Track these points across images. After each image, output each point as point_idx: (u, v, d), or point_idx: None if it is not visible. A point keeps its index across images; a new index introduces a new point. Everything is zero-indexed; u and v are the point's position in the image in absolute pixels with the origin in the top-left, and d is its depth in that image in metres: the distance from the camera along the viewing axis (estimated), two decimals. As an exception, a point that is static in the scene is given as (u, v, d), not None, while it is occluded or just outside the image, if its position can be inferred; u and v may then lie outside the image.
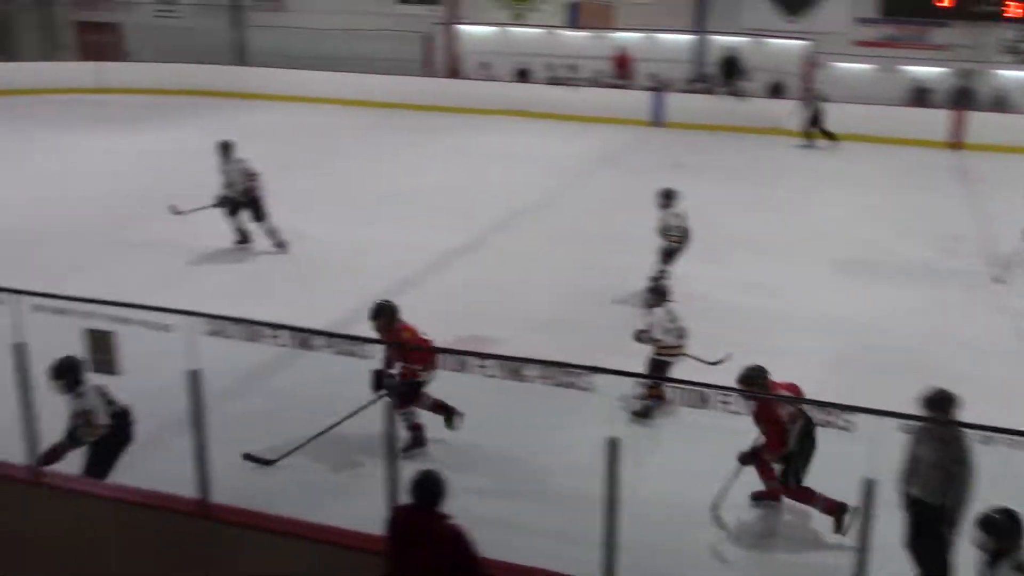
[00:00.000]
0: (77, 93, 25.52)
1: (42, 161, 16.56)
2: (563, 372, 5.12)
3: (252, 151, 16.30)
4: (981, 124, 21.76)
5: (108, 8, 29.95)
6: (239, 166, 12.59)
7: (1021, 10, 22.58)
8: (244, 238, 12.78)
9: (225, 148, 12.74)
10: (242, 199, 12.55)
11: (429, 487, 4.75)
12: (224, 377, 7.99)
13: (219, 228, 12.73)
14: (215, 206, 12.48)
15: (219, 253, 12.42)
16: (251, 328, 5.43)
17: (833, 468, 6.28)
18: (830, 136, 21.05)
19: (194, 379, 5.32)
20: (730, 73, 25.03)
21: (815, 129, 21.04)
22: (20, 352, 5.58)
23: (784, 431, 6.37)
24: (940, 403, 5.73)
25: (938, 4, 23.13)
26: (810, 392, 6.40)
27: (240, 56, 29.51)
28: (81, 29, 30.26)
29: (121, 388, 6.36)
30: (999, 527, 4.71)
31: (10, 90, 24.84)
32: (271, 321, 5.52)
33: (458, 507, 4.78)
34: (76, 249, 12.40)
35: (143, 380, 6.36)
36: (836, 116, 20.96)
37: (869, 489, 4.84)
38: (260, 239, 12.61)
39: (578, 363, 5.17)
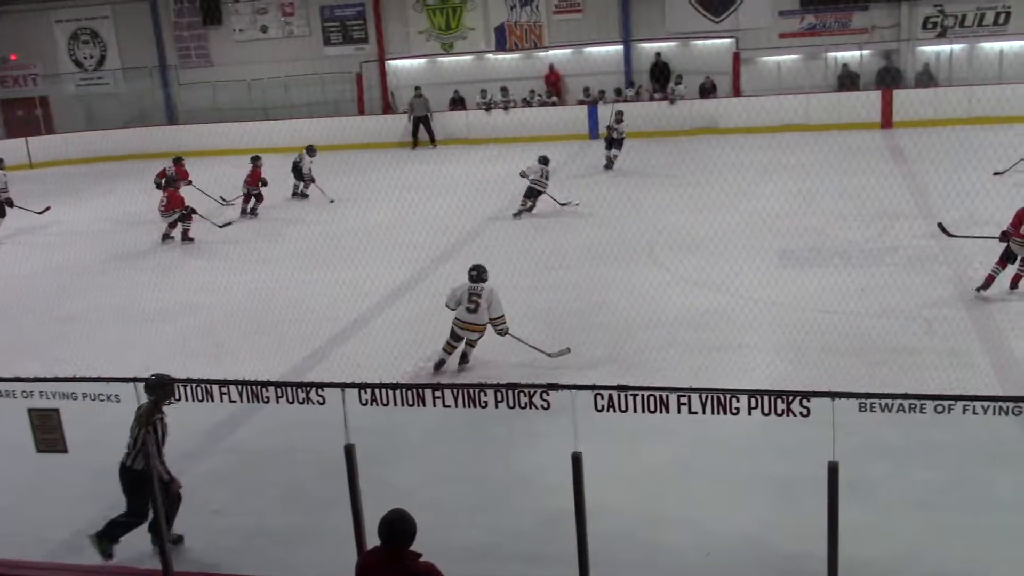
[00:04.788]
0: (8, 171, 25.11)
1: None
2: (521, 393, 5.12)
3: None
4: (908, 101, 22.22)
5: (33, 83, 29.73)
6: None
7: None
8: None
9: None
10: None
11: (398, 527, 4.68)
12: (184, 440, 7.93)
13: (159, 288, 12.62)
14: None
15: (164, 314, 12.22)
16: (201, 387, 5.37)
17: (792, 454, 6.35)
18: None
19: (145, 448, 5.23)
20: (661, 78, 25.35)
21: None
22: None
23: None
24: None
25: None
26: (769, 383, 6.44)
27: (171, 115, 29.42)
28: (6, 106, 29.96)
29: (73, 466, 6.23)
30: None
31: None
32: (222, 379, 5.47)
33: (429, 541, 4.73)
34: (14, 329, 12.16)
35: (96, 456, 6.24)
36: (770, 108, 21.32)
37: (833, 472, 4.89)
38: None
39: (533, 383, 5.18)
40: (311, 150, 19.52)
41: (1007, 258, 10.68)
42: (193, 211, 16.17)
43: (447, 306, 9.55)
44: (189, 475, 7.68)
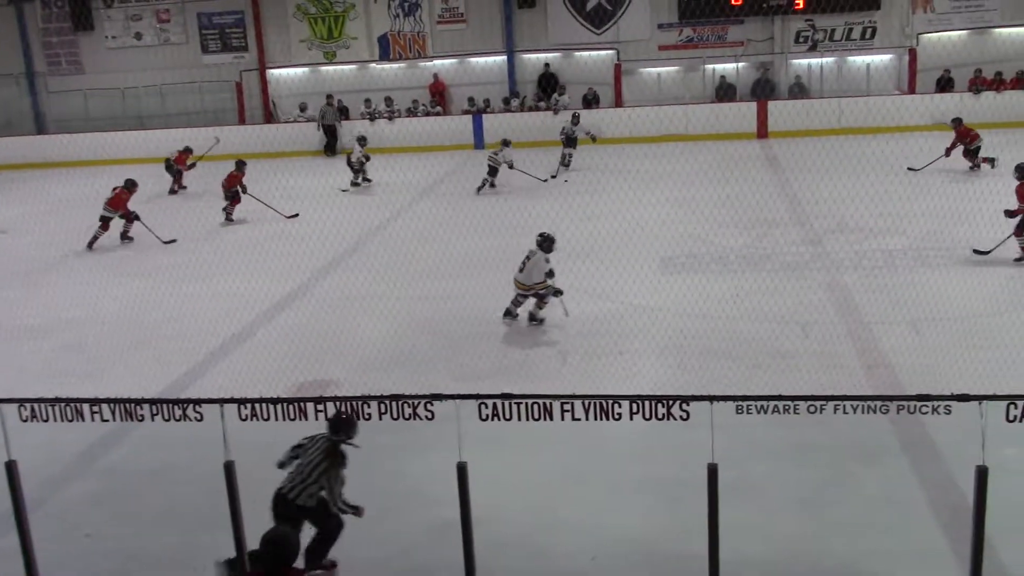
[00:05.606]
0: None
1: None
2: (405, 405, 5.09)
3: (54, 222, 15.68)
4: (782, 112, 23.00)
5: None
6: None
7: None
8: None
9: None
10: None
11: (279, 545, 4.59)
12: (52, 462, 7.62)
13: (29, 304, 12.10)
14: None
15: (35, 331, 11.70)
16: (71, 407, 5.16)
17: (675, 456, 6.48)
18: None
19: (10, 471, 4.98)
20: (546, 88, 25.61)
21: None
22: None
23: None
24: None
25: (732, 3, 24.36)
26: (651, 388, 6.57)
27: (40, 125, 28.27)
28: None
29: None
30: None
31: None
32: (94, 397, 5.27)
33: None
34: None
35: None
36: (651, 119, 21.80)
37: (713, 474, 5.00)
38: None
39: (418, 393, 5.15)
40: (362, 140, 20.61)
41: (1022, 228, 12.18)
42: (127, 219, 16.07)
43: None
44: (60, 498, 7.42)
